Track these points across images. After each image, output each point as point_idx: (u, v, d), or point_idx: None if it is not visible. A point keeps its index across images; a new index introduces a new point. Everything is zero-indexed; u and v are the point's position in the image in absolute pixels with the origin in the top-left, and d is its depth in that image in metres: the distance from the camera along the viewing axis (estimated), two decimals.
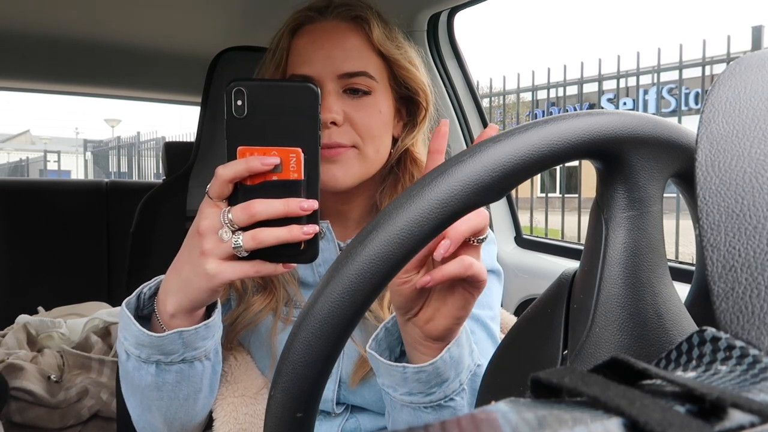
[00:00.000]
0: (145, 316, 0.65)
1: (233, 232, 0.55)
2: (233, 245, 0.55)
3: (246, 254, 0.56)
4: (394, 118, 0.81)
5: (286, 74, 0.78)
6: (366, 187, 0.81)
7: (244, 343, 0.81)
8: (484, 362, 0.75)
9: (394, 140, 0.82)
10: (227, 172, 0.55)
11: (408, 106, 0.82)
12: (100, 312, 1.81)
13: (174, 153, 1.96)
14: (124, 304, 0.63)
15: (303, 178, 0.55)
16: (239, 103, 0.55)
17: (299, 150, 0.55)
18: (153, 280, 0.66)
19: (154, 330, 0.62)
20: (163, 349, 0.62)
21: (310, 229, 0.55)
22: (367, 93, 0.76)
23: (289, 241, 0.55)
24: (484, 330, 0.78)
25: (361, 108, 0.75)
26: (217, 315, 0.64)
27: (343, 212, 0.83)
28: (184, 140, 2.44)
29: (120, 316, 0.64)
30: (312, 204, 0.55)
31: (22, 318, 1.77)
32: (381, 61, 0.77)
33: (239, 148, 0.55)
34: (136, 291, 0.65)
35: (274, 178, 0.55)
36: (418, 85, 0.79)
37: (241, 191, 0.55)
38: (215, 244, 0.56)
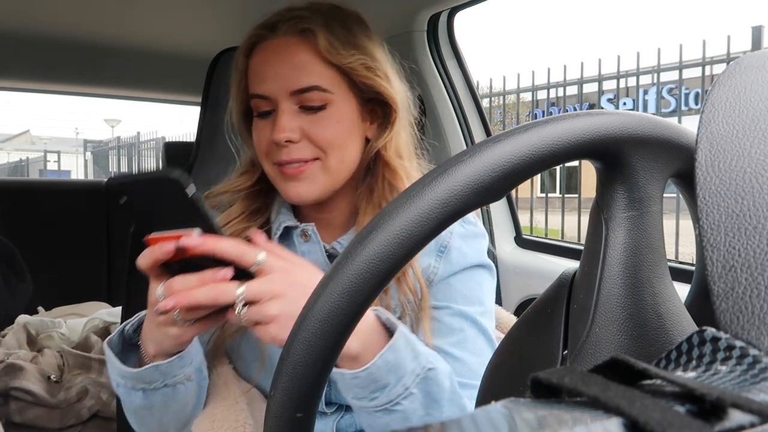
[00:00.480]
0: (135, 344, 0.71)
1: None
2: (174, 319, 0.61)
3: (190, 322, 0.62)
4: (364, 120, 0.80)
5: (247, 92, 0.79)
6: (344, 193, 0.81)
7: (235, 348, 0.83)
8: (473, 358, 0.76)
9: (370, 141, 0.81)
10: (142, 263, 0.60)
11: (382, 106, 0.80)
12: (100, 312, 1.81)
13: (174, 153, 1.95)
14: (105, 342, 0.69)
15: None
16: (125, 199, 0.58)
17: (195, 230, 0.58)
18: (135, 317, 0.72)
19: (144, 358, 0.69)
20: (144, 380, 0.68)
21: (225, 273, 0.59)
22: (323, 106, 0.75)
23: (222, 300, 0.58)
24: (474, 326, 0.77)
25: (318, 122, 0.75)
26: (191, 346, 0.69)
27: (326, 219, 0.83)
28: (184, 140, 2.44)
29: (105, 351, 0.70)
30: (226, 273, 0.59)
31: (22, 318, 1.77)
32: (335, 71, 0.76)
33: (146, 238, 0.60)
34: (118, 329, 0.71)
35: (187, 256, 0.58)
36: (380, 90, 0.78)
37: (172, 267, 0.60)
38: (164, 317, 0.61)
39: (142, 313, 0.69)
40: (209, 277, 0.58)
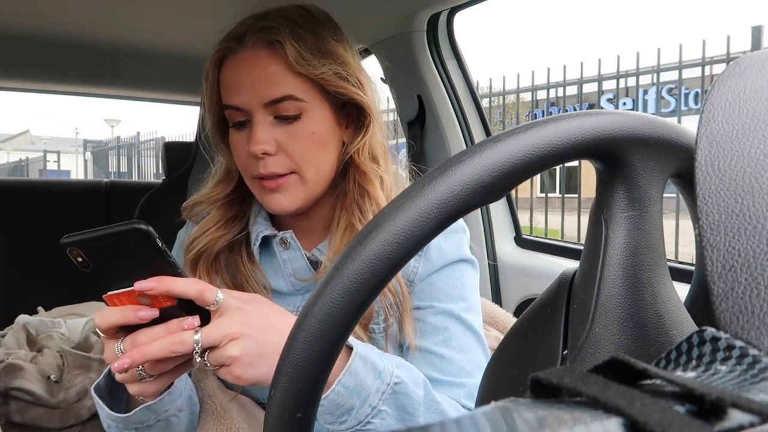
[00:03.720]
0: None
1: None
2: (138, 375, 0.58)
3: (155, 376, 0.59)
4: (340, 125, 0.79)
5: (220, 103, 0.78)
6: (321, 200, 0.80)
7: None
8: (460, 355, 0.76)
9: (345, 144, 0.80)
10: (102, 322, 0.57)
11: (357, 109, 0.80)
12: None
13: (173, 153, 1.96)
14: (93, 388, 0.68)
15: (176, 302, 0.56)
16: (80, 259, 0.55)
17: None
18: None
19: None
20: (134, 421, 0.66)
21: (192, 321, 0.57)
22: (298, 116, 0.74)
23: (180, 350, 0.56)
24: (459, 323, 0.77)
25: (293, 134, 0.74)
26: (179, 380, 0.67)
27: (304, 226, 0.83)
28: (184, 140, 2.44)
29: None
30: (192, 322, 0.57)
31: (22, 318, 1.77)
32: (307, 81, 0.75)
33: (104, 296, 0.56)
34: (104, 372, 0.69)
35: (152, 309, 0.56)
36: (353, 97, 0.77)
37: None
38: (125, 375, 0.59)
39: None
40: (176, 326, 0.56)
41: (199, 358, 0.57)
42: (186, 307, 0.57)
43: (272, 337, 0.57)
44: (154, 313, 0.55)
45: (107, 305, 0.57)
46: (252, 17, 0.77)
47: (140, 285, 0.54)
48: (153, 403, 0.65)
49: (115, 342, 0.58)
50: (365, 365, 0.61)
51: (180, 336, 0.56)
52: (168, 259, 0.55)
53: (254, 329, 0.57)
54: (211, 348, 0.57)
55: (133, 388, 0.60)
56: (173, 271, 0.55)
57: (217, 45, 0.77)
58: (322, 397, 0.58)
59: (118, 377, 0.60)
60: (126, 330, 0.58)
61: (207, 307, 0.57)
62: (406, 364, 0.68)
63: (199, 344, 0.56)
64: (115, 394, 0.70)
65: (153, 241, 0.53)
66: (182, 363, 0.60)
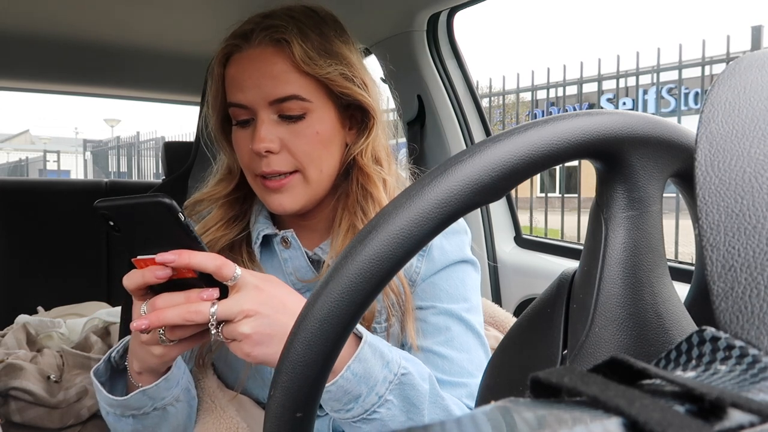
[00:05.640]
0: (123, 369, 0.71)
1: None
2: (159, 338, 0.60)
3: (174, 341, 0.61)
4: (343, 126, 0.79)
5: (225, 101, 0.78)
6: (324, 201, 0.81)
7: (222, 357, 0.83)
8: (462, 355, 0.76)
9: (348, 146, 0.81)
10: (129, 284, 0.60)
11: (360, 110, 0.80)
12: (100, 312, 1.81)
13: (173, 153, 1.95)
14: (92, 372, 0.69)
15: (196, 275, 0.59)
16: (111, 223, 0.58)
17: None
18: (120, 342, 0.71)
19: (132, 381, 0.68)
20: (132, 406, 0.67)
21: (211, 293, 0.59)
22: (303, 115, 0.74)
23: (195, 319, 0.58)
24: (460, 324, 0.78)
25: (297, 133, 0.74)
26: (176, 367, 0.69)
27: (306, 225, 0.83)
28: (184, 140, 2.44)
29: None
30: (212, 293, 0.59)
31: (22, 318, 1.77)
32: (312, 80, 0.75)
33: (133, 259, 0.59)
34: (104, 356, 0.71)
35: (174, 277, 0.59)
36: (358, 98, 0.77)
37: (156, 288, 0.60)
38: (148, 336, 0.61)
39: (128, 337, 0.69)
40: (195, 296, 0.58)
41: (214, 330, 0.58)
42: (206, 280, 0.59)
43: (284, 319, 0.59)
44: (164, 273, 0.58)
45: (135, 268, 0.60)
46: (258, 15, 0.77)
47: (162, 257, 0.56)
48: (149, 388, 0.66)
49: (142, 303, 0.61)
50: (374, 353, 0.62)
51: (197, 306, 0.58)
52: (190, 234, 0.57)
53: (268, 308, 0.59)
54: (226, 322, 0.59)
55: (156, 350, 0.62)
56: (195, 245, 0.58)
57: (223, 42, 0.77)
58: (331, 383, 0.60)
59: (143, 338, 0.62)
60: (154, 292, 0.60)
61: (225, 282, 0.59)
62: (413, 358, 0.69)
63: (215, 317, 0.58)
64: (114, 381, 0.71)
65: (176, 215, 0.55)
66: (200, 332, 0.62)
